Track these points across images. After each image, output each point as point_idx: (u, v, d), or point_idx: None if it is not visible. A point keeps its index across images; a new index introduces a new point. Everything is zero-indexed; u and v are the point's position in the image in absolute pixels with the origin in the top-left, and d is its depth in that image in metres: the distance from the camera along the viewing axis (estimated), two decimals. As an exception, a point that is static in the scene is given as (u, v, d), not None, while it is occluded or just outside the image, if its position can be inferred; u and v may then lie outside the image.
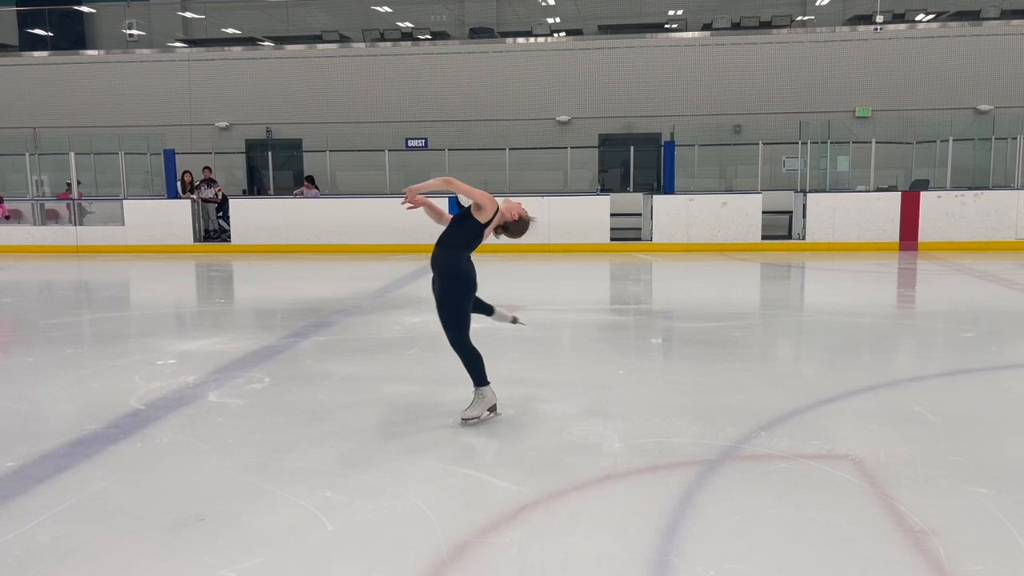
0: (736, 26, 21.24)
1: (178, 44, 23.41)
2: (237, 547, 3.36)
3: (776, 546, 3.31)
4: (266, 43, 23.09)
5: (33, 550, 3.35)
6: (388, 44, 21.78)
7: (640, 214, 16.26)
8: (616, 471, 4.14)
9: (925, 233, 14.91)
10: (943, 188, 15.82)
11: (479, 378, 4.88)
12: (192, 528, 3.53)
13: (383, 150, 18.87)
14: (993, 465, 4.20)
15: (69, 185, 17.31)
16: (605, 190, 18.08)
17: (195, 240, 16.46)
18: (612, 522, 3.56)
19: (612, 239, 15.66)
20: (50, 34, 23.36)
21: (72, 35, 23.51)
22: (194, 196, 16.93)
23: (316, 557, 3.27)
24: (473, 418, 4.86)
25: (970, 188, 15.66)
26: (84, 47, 23.22)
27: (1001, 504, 3.67)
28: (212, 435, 4.80)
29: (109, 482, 4.10)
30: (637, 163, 18.04)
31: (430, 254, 4.92)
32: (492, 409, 4.95)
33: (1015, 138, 16.02)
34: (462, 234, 4.85)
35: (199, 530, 3.52)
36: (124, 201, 16.48)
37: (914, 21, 20.54)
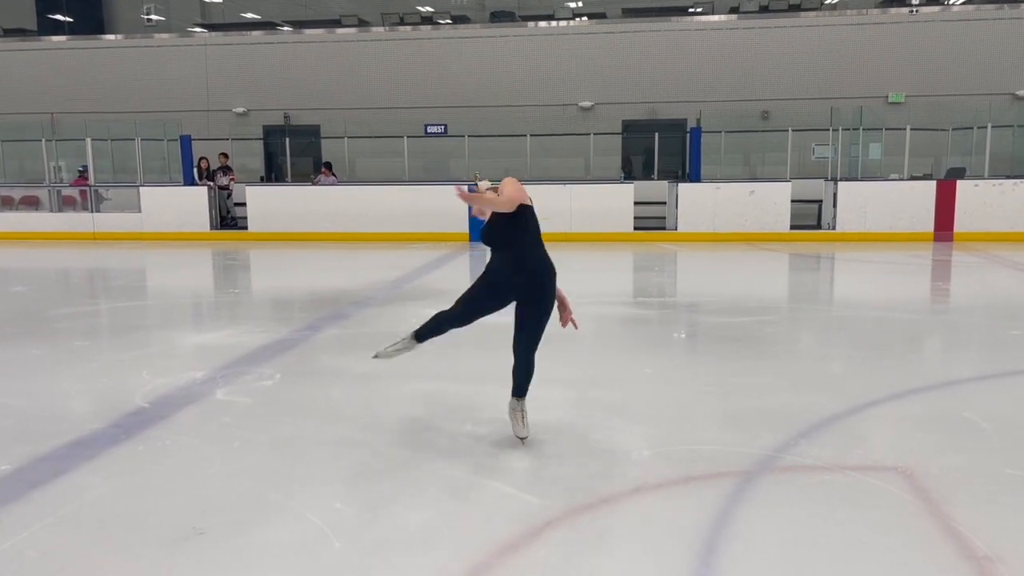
0: (764, 9, 20.69)
1: (197, 29, 23.22)
2: (235, 566, 3.11)
3: (823, 570, 3.01)
4: (285, 28, 22.84)
5: (20, 567, 3.12)
6: (408, 28, 21.43)
7: (665, 202, 15.87)
8: (647, 483, 3.84)
9: (961, 223, 14.41)
10: (980, 176, 15.29)
11: (526, 391, 4.39)
12: (190, 543, 3.29)
13: (402, 136, 18.58)
14: (1057, 480, 3.87)
15: (80, 171, 17.18)
16: (629, 177, 17.70)
17: (211, 227, 16.29)
18: (643, 541, 3.27)
19: (636, 228, 15.29)
20: (69, 19, 23.22)
21: (91, 20, 23.34)
22: (211, 183, 16.75)
23: (321, 579, 3.02)
24: (527, 436, 4.37)
25: (1008, 176, 15.12)
26: (103, 32, 23.06)
27: (1070, 526, 3.34)
28: (218, 437, 4.56)
29: (106, 489, 3.87)
30: (662, 150, 17.62)
31: (487, 250, 4.33)
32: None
33: (1055, 124, 15.45)
34: (530, 226, 4.21)
35: (197, 545, 3.27)
36: (140, 188, 16.33)
37: (948, 4, 19.89)
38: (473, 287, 4.41)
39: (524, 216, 4.17)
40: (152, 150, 17.34)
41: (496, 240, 4.25)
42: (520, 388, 4.38)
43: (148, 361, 6.34)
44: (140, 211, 16.19)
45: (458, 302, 4.42)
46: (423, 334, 4.53)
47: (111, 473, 4.08)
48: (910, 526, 3.36)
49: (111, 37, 22.37)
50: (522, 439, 4.33)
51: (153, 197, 16.30)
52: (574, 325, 4.49)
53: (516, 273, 4.21)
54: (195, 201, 16.27)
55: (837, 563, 3.07)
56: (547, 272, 4.26)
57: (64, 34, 22.73)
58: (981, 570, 3.00)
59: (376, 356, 4.60)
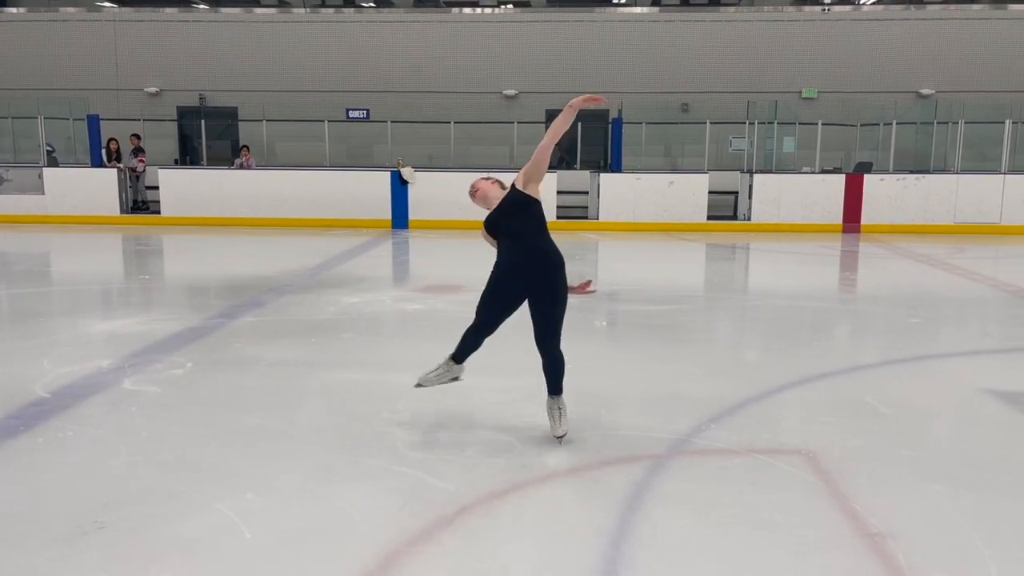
0: (685, 3, 21.06)
1: (106, 3, 22.22)
2: (141, 559, 3.02)
3: (729, 552, 3.10)
4: (201, 5, 22.07)
5: (-97, 566, 2.96)
6: (330, 11, 21.01)
7: (587, 192, 16.05)
8: (561, 468, 3.89)
9: (868, 216, 15.02)
10: (886, 171, 15.96)
11: (561, 386, 4.25)
12: (92, 537, 3.17)
13: (323, 120, 18.23)
14: (947, 460, 4.08)
15: None
16: (552, 167, 17.79)
17: (122, 212, 15.69)
18: (556, 526, 3.31)
19: (558, 217, 15.39)
20: (-34, -11, 21.94)
21: (-9, -9, 22.12)
22: (120, 165, 16.11)
23: (229, 570, 2.95)
24: (567, 432, 4.20)
25: (912, 171, 15.83)
26: (4, 4, 21.87)
27: (958, 503, 3.53)
28: (124, 428, 4.40)
29: (2, 482, 3.70)
30: (584, 140, 17.79)
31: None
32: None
33: (955, 123, 16.21)
34: (538, 216, 4.15)
35: (100, 539, 3.16)
36: (44, 169, 15.59)
37: (859, 4, 20.63)
38: (486, 290, 4.21)
39: (536, 206, 4.12)
40: (57, 129, 16.57)
41: (503, 229, 4.14)
42: (554, 385, 4.21)
43: (51, 349, 6.07)
44: (44, 193, 15.47)
45: (477, 311, 4.24)
46: (460, 354, 4.33)
47: (8, 466, 3.90)
48: (811, 506, 3.50)
49: (13, 10, 21.24)
50: (559, 438, 4.14)
51: (58, 179, 15.59)
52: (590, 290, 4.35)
53: (527, 261, 4.09)
54: (104, 184, 15.64)
55: (740, 545, 3.17)
56: (557, 260, 4.14)
57: (-40, 5, 21.49)
58: (875, 546, 3.15)
59: (418, 384, 4.38)
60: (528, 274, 4.10)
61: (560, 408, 4.21)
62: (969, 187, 15.02)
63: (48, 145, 16.35)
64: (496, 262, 4.20)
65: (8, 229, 14.82)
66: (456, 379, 4.40)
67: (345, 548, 3.11)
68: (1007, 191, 14.94)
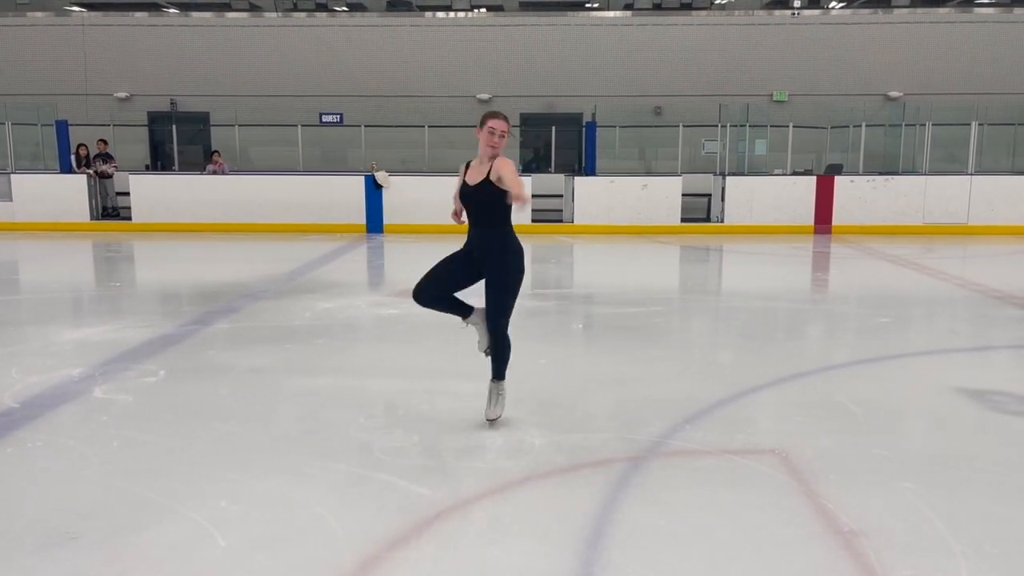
0: (657, 7, 21.20)
1: (74, 8, 21.95)
2: (113, 570, 2.98)
3: (704, 554, 3.13)
4: (171, 9, 21.88)
5: None
6: (302, 15, 20.91)
7: (561, 195, 16.10)
8: (537, 471, 3.90)
9: (838, 217, 15.21)
10: (856, 173, 16.17)
11: (504, 372, 4.52)
12: (62, 549, 3.13)
13: (296, 125, 18.14)
14: (917, 458, 4.13)
15: None
16: (526, 171, 17.83)
17: (92, 218, 15.49)
18: (533, 529, 3.32)
19: (533, 220, 15.43)
20: (-70, -7, 21.57)
21: (-45, -6, 21.76)
22: (90, 171, 15.91)
23: (204, 581, 2.92)
24: (498, 417, 4.48)
25: (881, 173, 16.05)
26: (-31, 8, 21.54)
27: (928, 500, 3.58)
28: (94, 437, 4.35)
29: (-31, 495, 3.64)
30: (558, 144, 17.85)
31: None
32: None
33: (923, 125, 16.46)
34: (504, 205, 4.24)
35: (70, 551, 3.12)
36: (12, 175, 15.36)
37: (828, 8, 20.89)
38: (448, 257, 4.44)
39: (508, 200, 4.19)
40: (24, 135, 16.33)
41: (476, 212, 4.33)
42: (497, 370, 4.49)
43: (18, 358, 5.98)
44: (11, 200, 15.23)
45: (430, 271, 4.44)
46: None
47: (-25, 478, 3.83)
48: (784, 505, 3.53)
49: (-22, 14, 20.92)
50: (490, 421, 4.42)
51: (26, 185, 15.37)
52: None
53: (482, 245, 4.32)
54: (73, 190, 15.44)
55: (715, 546, 3.20)
56: (515, 249, 4.34)
57: (-76, 9, 21.11)
58: (846, 544, 3.19)
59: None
60: (490, 259, 4.36)
61: (499, 393, 4.48)
62: (937, 188, 15.27)
63: None
64: (469, 241, 4.40)
65: (-25, 237, 14.58)
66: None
67: (321, 555, 3.09)
68: (974, 192, 15.20)
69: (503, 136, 4.28)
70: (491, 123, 4.30)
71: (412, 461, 4.03)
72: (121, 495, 3.61)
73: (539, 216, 15.62)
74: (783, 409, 4.94)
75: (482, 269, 4.35)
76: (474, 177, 4.32)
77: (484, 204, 4.28)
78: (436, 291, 4.44)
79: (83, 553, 3.10)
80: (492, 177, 4.21)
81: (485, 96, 19.94)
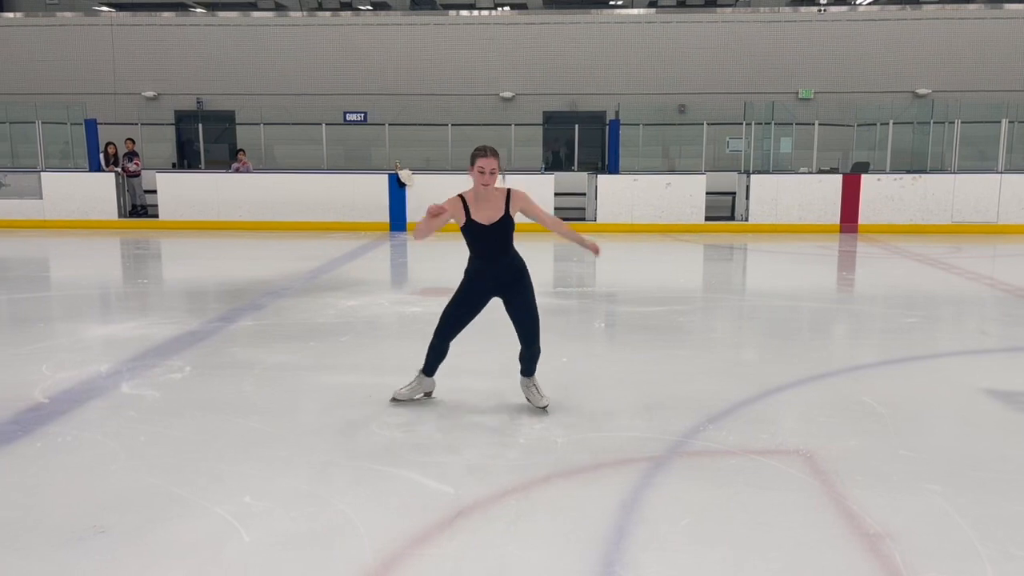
0: (681, 4, 21.07)
1: (103, 8, 22.24)
2: (139, 563, 3.02)
3: (727, 554, 3.11)
4: (198, 9, 22.09)
5: (-98, 572, 2.96)
6: (327, 14, 21.02)
7: (584, 193, 16.07)
8: (559, 470, 3.90)
9: (865, 215, 15.05)
10: (883, 171, 15.98)
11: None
12: (90, 542, 3.17)
13: (320, 123, 18.25)
14: (944, 460, 4.08)
15: None
16: (549, 169, 17.82)
17: (120, 216, 15.69)
18: (554, 528, 3.32)
19: (556, 219, 15.41)
20: (-37, -5, 21.95)
21: (-12, -4, 22.14)
22: (118, 169, 16.12)
23: (229, 574, 2.95)
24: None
25: (908, 171, 15.85)
26: (2, 9, 21.88)
27: (955, 503, 3.54)
28: (122, 432, 4.41)
29: (1, 488, 3.70)
30: (582, 142, 17.80)
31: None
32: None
33: (952, 122, 16.24)
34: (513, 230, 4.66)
35: (98, 544, 3.16)
36: (42, 173, 15.59)
37: (855, 4, 20.65)
38: (457, 299, 4.65)
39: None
40: (54, 134, 16.57)
41: (498, 247, 4.54)
42: (532, 368, 4.77)
43: (49, 354, 6.08)
44: (42, 197, 15.47)
45: (442, 319, 4.70)
46: (430, 367, 4.81)
47: (5, 472, 3.90)
48: (808, 507, 3.50)
49: (11, 15, 21.23)
50: (546, 407, 4.69)
51: (56, 183, 15.60)
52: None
53: (508, 273, 4.59)
54: (102, 188, 15.65)
55: (738, 546, 3.18)
56: (525, 266, 4.69)
57: (-41, 10, 21.49)
58: (872, 546, 3.16)
59: (393, 399, 4.85)
60: (508, 283, 4.65)
61: (536, 384, 4.79)
62: (966, 186, 15.05)
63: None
64: (477, 274, 4.64)
65: (7, 234, 14.82)
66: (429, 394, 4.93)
67: (344, 551, 3.12)
68: (1004, 190, 14.97)
69: (494, 173, 4.44)
70: (480, 163, 4.43)
71: (435, 459, 4.05)
72: (148, 489, 3.66)
73: (561, 214, 15.58)
74: (808, 409, 4.89)
75: (508, 295, 4.60)
76: (489, 216, 4.49)
77: (506, 237, 4.53)
78: (457, 332, 4.74)
79: (111, 546, 3.15)
80: (512, 212, 4.51)
81: (508, 94, 19.94)
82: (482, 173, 4.41)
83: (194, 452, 4.12)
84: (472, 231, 4.52)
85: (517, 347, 4.77)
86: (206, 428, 4.47)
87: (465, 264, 4.70)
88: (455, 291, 4.68)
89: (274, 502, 3.54)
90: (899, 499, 3.58)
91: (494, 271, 4.57)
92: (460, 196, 4.54)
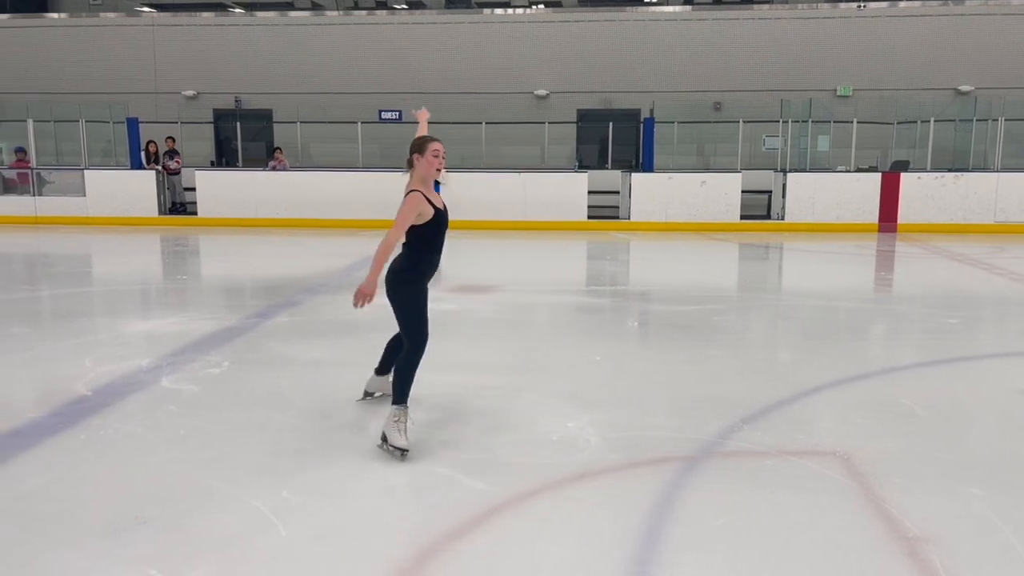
0: (717, 1, 20.89)
1: (145, 8, 22.62)
2: (179, 554, 3.08)
3: (762, 556, 3.09)
4: (237, 9, 22.38)
5: (-48, 558, 3.05)
6: (363, 13, 21.18)
7: (618, 192, 16.01)
8: (592, 468, 3.89)
9: (904, 215, 14.80)
10: (923, 169, 15.69)
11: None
12: (132, 532, 3.24)
13: (356, 122, 18.38)
14: (985, 463, 4.01)
15: (18, 153, 16.60)
16: (583, 167, 17.78)
17: (160, 213, 15.97)
18: (587, 526, 3.32)
19: (589, 217, 15.39)
20: (10, -4, 22.45)
21: (34, -3, 22.63)
22: (159, 167, 16.41)
23: (265, 566, 3.00)
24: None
25: (950, 170, 15.56)
26: (46, 10, 22.36)
27: (996, 507, 3.47)
28: (163, 425, 4.49)
29: (44, 478, 3.79)
30: (616, 140, 17.72)
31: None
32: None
33: (995, 120, 15.90)
34: None
35: (139, 534, 3.23)
36: (85, 171, 15.92)
37: (895, 0, 20.30)
38: (420, 303, 4.37)
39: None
40: (97, 133, 16.91)
41: (440, 244, 4.39)
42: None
43: (92, 348, 6.21)
44: (85, 195, 15.80)
45: (419, 330, 4.35)
46: (404, 394, 4.19)
47: (49, 463, 4.00)
48: (845, 508, 3.46)
49: (55, 16, 21.70)
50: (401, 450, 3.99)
51: (98, 180, 15.91)
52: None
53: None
54: (143, 185, 15.93)
55: (774, 547, 3.15)
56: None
57: (6, 12, 21.97)
58: (910, 550, 3.11)
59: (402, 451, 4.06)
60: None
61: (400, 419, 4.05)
62: (1010, 185, 14.73)
63: (16, 148, 16.57)
64: (424, 275, 4.36)
65: (50, 230, 15.17)
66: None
67: (378, 546, 3.15)
68: (1049, 189, 14.61)
69: (445, 156, 4.31)
70: (434, 146, 4.25)
71: (469, 455, 4.07)
72: (187, 482, 3.73)
73: (595, 212, 15.56)
74: (845, 410, 4.83)
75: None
76: (440, 202, 4.32)
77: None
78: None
79: (151, 538, 3.21)
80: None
81: (543, 92, 19.93)
82: (436, 157, 4.24)
83: (232, 446, 4.19)
84: (439, 221, 4.29)
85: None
86: (244, 422, 4.54)
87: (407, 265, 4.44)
88: (408, 299, 4.34)
89: (309, 496, 3.58)
90: (938, 502, 3.53)
91: (436, 263, 4.44)
92: (417, 191, 4.22)
